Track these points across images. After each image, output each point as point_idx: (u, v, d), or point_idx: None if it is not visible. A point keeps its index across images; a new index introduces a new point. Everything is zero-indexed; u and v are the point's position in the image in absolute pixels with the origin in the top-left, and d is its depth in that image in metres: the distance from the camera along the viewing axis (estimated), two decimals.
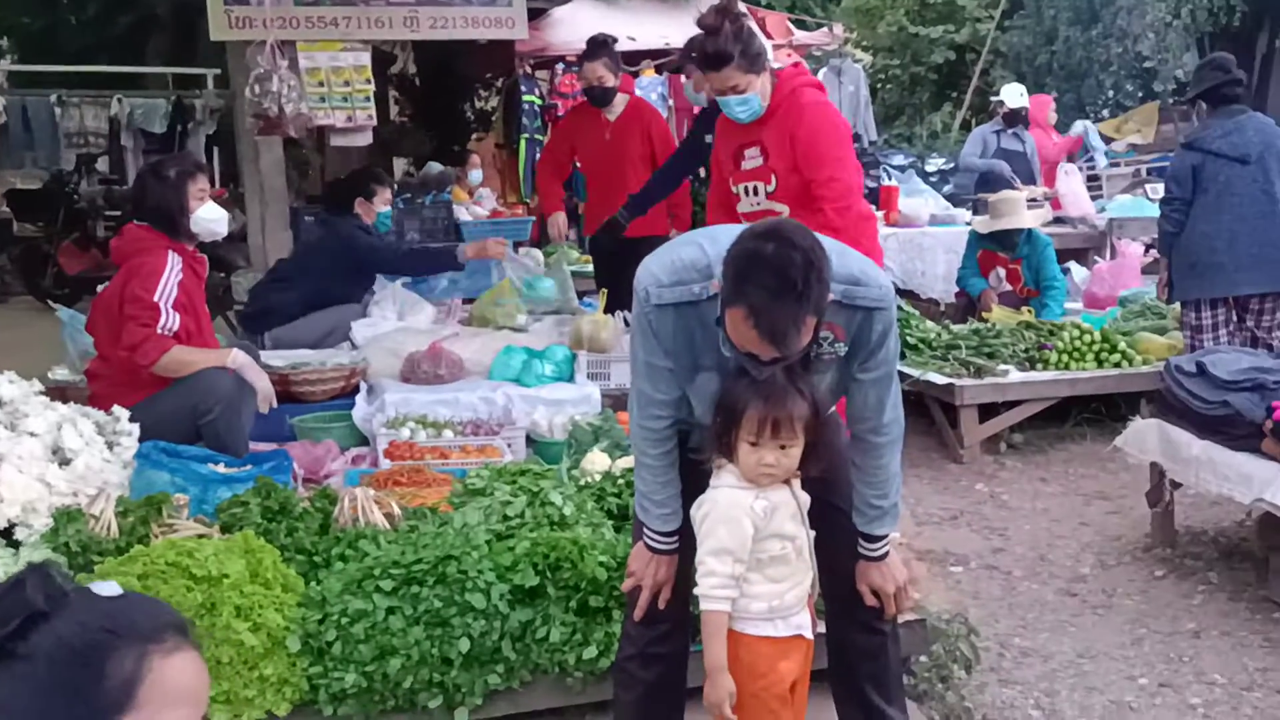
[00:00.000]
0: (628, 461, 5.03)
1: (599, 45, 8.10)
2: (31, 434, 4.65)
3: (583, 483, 4.82)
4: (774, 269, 2.81)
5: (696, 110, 8.66)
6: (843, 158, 5.40)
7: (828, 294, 2.89)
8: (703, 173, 7.97)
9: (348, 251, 7.71)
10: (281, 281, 7.84)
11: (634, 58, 11.34)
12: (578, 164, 8.78)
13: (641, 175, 7.89)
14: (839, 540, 3.36)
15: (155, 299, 5.44)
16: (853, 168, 5.47)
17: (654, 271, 3.12)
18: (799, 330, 2.84)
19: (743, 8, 5.28)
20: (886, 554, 3.39)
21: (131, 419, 5.12)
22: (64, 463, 4.65)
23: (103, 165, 15.41)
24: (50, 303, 9.39)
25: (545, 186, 8.71)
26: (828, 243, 2.98)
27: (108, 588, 1.75)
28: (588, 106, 8.25)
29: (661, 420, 3.23)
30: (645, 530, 3.29)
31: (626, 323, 7.33)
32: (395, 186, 8.47)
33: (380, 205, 7.99)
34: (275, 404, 5.81)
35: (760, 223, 2.99)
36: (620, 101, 8.13)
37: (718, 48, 5.05)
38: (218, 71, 12.44)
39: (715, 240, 3.07)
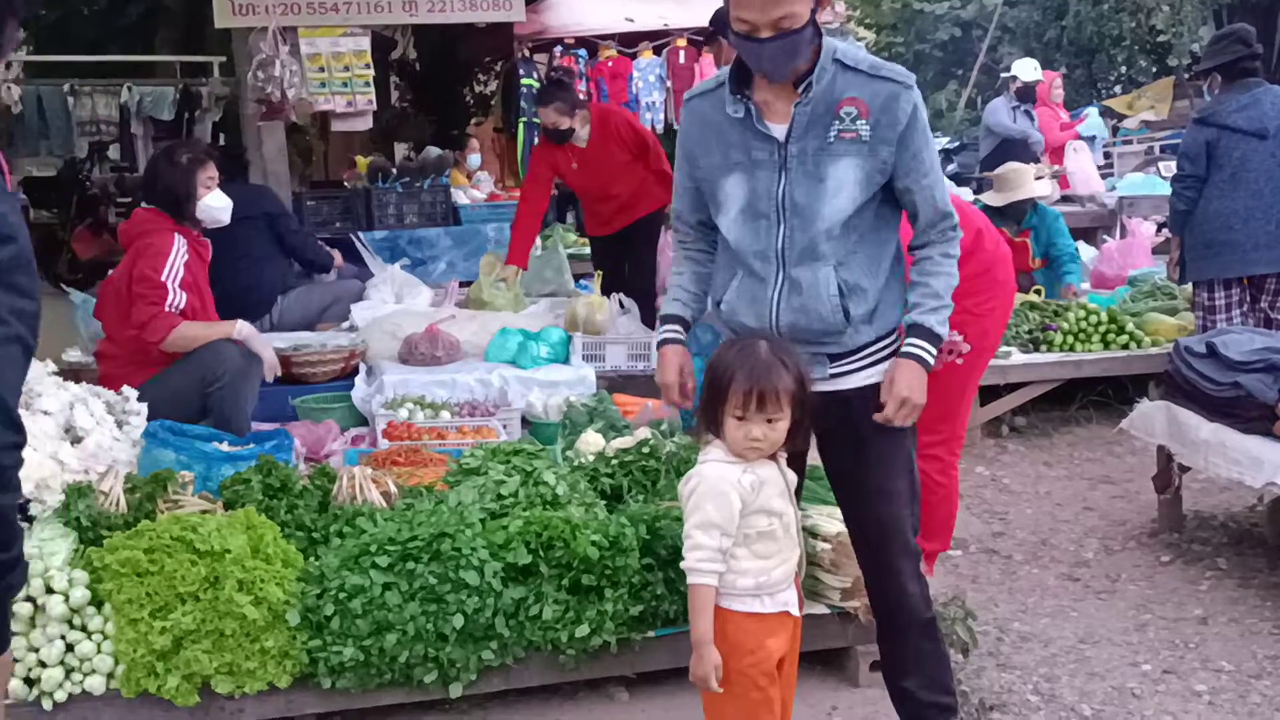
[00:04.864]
0: (621, 442, 5.04)
1: (548, 90, 8.06)
2: (45, 413, 4.76)
3: (576, 463, 4.82)
4: None
5: None
6: None
7: None
8: None
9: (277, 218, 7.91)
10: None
11: (632, 39, 11.27)
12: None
13: (635, 171, 7.81)
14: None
15: (163, 278, 5.56)
16: None
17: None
18: None
19: None
20: (933, 365, 3.35)
21: (140, 397, 5.25)
22: (76, 441, 4.76)
23: (114, 153, 15.55)
24: (63, 287, 9.44)
25: (519, 236, 8.09)
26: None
27: None
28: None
29: (682, 234, 3.68)
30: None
31: (622, 305, 7.34)
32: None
33: None
34: (280, 372, 5.93)
35: None
36: (583, 126, 7.83)
37: None
38: (224, 59, 12.50)
39: None
